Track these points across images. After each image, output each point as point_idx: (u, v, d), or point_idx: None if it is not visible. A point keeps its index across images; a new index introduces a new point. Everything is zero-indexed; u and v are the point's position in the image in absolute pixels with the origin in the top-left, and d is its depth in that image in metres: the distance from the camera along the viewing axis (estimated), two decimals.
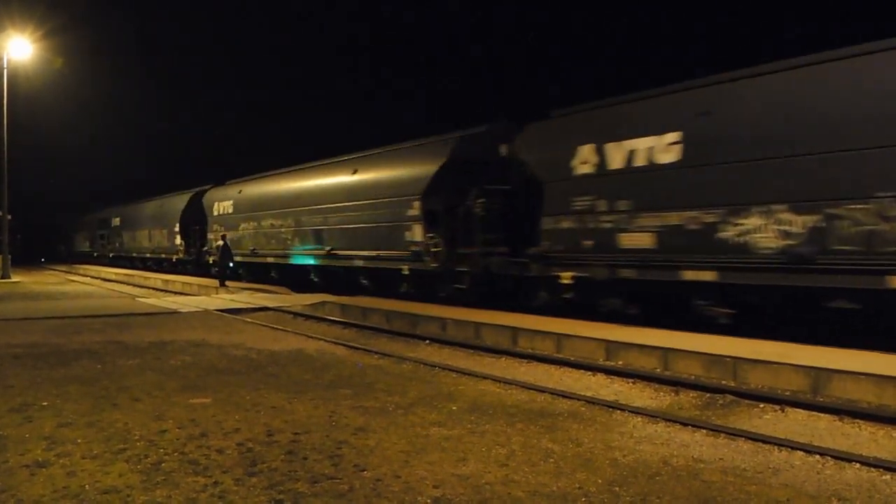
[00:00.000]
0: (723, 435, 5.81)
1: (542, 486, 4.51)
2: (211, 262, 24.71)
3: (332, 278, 18.88)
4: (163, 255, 31.09)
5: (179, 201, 29.32)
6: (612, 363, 9.13)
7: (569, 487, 4.50)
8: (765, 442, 5.57)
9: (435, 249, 14.16)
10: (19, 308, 16.35)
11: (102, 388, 7.36)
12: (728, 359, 8.07)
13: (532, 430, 5.89)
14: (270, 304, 16.42)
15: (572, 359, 9.40)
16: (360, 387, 7.58)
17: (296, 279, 20.36)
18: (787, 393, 7.27)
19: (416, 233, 14.71)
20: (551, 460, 5.06)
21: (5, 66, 26.51)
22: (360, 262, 16.99)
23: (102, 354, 9.56)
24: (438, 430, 5.84)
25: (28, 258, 51.54)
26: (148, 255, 33.40)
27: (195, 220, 27.24)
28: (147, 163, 64.03)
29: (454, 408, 6.65)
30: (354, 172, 17.53)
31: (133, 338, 11.22)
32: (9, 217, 27.87)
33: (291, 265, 20.47)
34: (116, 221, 39.60)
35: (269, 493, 4.37)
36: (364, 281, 17.47)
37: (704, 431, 5.93)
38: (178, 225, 28.60)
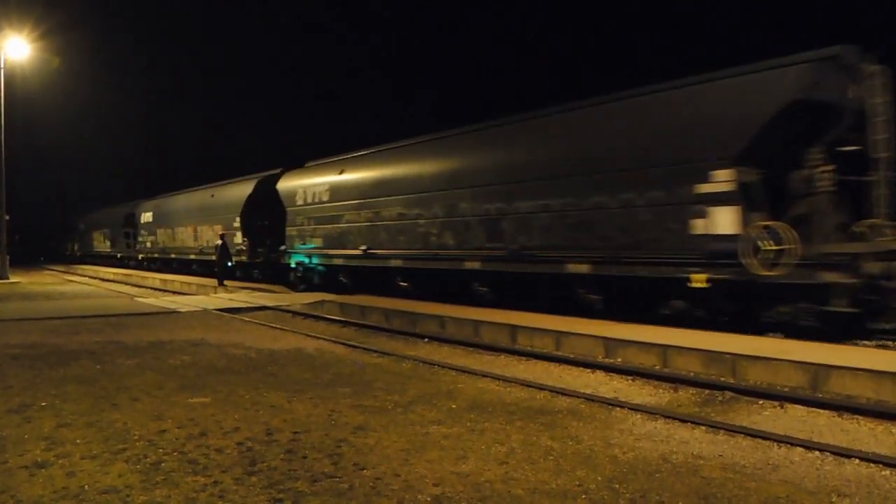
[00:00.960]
0: (722, 431, 5.82)
1: (541, 484, 4.52)
2: (293, 265, 19.92)
3: (516, 290, 13.21)
4: (214, 257, 24.12)
5: (239, 190, 23.41)
6: (612, 360, 9.14)
7: (568, 485, 4.50)
8: (764, 438, 5.58)
9: (770, 248, 8.83)
10: (18, 308, 16.32)
11: (101, 388, 7.35)
12: (727, 355, 8.07)
13: (531, 427, 5.89)
14: (269, 303, 16.41)
15: (571, 356, 9.40)
16: (360, 385, 7.58)
17: (443, 288, 14.93)
18: (787, 389, 7.27)
19: (721, 220, 9.32)
20: (551, 458, 5.06)
21: (2, 65, 26.47)
22: (581, 269, 11.35)
23: (101, 354, 9.55)
24: (438, 428, 5.84)
25: (26, 258, 51.49)
26: (192, 257, 27.55)
27: (261, 214, 22.09)
28: (147, 161, 64.00)
29: (453, 406, 6.65)
30: (568, 132, 12.02)
31: (132, 338, 11.21)
32: (7, 217, 27.82)
33: (436, 270, 14.60)
34: (147, 217, 33.24)
35: (269, 492, 4.37)
36: (591, 295, 11.61)
37: (704, 428, 5.93)
38: (238, 219, 22.92)
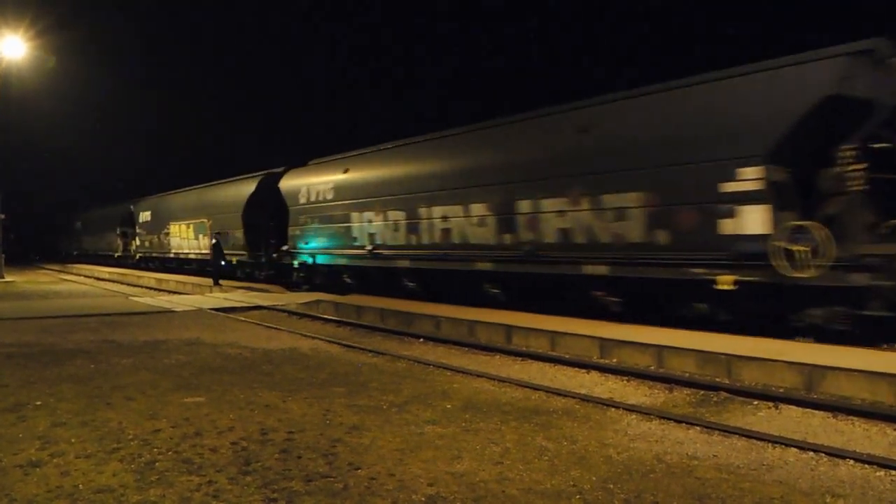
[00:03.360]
0: (717, 432, 5.83)
1: (536, 484, 4.52)
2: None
3: None
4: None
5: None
6: (607, 361, 9.14)
7: (563, 485, 4.51)
8: (759, 439, 5.59)
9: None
10: (12, 307, 16.28)
11: (96, 388, 7.34)
12: (722, 356, 8.08)
13: (526, 427, 5.90)
14: (264, 303, 16.39)
15: (566, 356, 9.40)
16: (355, 385, 7.58)
17: None
18: (781, 390, 7.29)
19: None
20: (545, 458, 5.07)
21: None
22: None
23: (96, 353, 9.52)
24: (433, 428, 5.84)
25: (23, 257, 51.43)
26: (486, 267, 13.08)
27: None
28: (146, 160, 63.69)
29: (448, 406, 6.65)
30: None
31: (127, 337, 11.19)
32: (2, 216, 27.73)
33: None
34: (314, 193, 17.95)
35: (264, 491, 4.36)
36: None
37: (698, 428, 5.94)
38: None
